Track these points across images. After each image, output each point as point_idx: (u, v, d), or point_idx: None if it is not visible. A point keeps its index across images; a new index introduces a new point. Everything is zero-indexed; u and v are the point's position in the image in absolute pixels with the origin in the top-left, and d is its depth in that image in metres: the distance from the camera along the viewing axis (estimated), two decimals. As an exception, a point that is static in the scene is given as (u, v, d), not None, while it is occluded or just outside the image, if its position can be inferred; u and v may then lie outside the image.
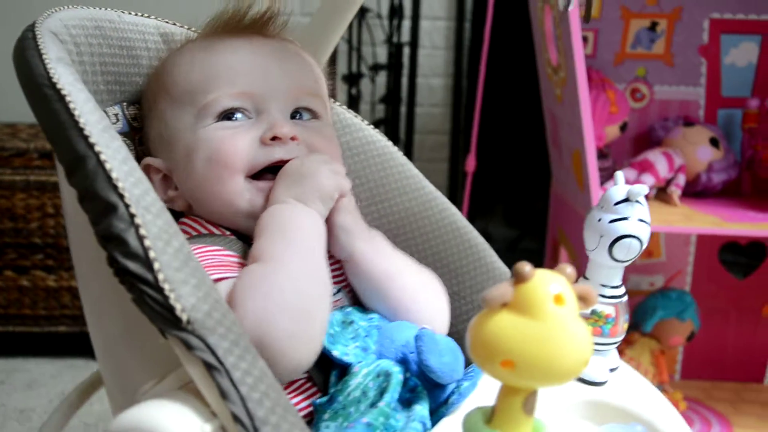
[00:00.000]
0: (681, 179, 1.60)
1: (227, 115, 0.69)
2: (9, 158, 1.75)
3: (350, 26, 2.18)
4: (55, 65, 0.59)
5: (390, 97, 2.26)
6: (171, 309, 0.51)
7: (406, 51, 2.23)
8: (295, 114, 0.72)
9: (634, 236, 0.67)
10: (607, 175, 1.62)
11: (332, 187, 0.67)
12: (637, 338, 1.67)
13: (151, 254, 0.51)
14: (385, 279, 0.70)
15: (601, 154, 1.62)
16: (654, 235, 1.77)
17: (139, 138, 0.76)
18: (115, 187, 0.53)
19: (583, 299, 0.41)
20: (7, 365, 1.81)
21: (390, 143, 0.88)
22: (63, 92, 0.57)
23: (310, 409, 0.63)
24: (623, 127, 1.68)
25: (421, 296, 0.72)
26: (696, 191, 1.66)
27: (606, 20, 1.73)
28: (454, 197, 2.27)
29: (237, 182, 0.68)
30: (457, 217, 0.85)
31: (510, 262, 0.52)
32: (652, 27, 1.73)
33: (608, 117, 1.63)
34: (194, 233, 0.69)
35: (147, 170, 0.72)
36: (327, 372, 0.64)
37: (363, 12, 2.22)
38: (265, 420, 0.50)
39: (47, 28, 0.63)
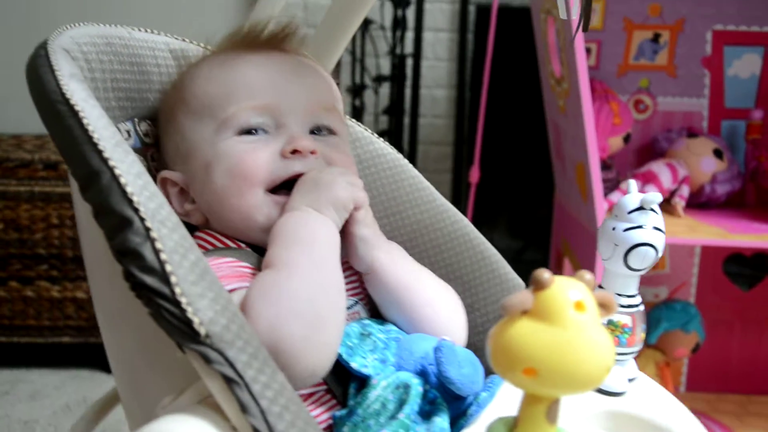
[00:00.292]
0: (685, 190, 1.60)
1: (248, 130, 0.70)
2: (14, 169, 1.75)
3: (354, 38, 2.18)
4: (68, 81, 0.59)
5: (393, 108, 2.27)
6: (189, 323, 0.50)
7: (410, 62, 2.24)
8: (314, 131, 0.73)
9: (649, 244, 0.67)
10: (610, 187, 1.62)
11: (347, 197, 0.67)
12: (641, 350, 1.66)
13: (168, 268, 0.51)
14: (404, 289, 0.70)
15: (605, 166, 1.63)
16: (658, 247, 1.76)
17: (151, 154, 0.77)
18: (130, 202, 0.53)
19: (603, 306, 0.41)
20: (11, 376, 1.81)
21: (400, 156, 0.88)
22: (76, 108, 0.57)
23: (330, 421, 0.62)
24: (627, 139, 1.68)
25: (441, 307, 0.72)
26: (700, 202, 1.66)
27: (609, 32, 1.73)
28: (458, 208, 2.26)
29: (256, 195, 0.68)
30: (470, 229, 0.85)
31: (523, 275, 0.52)
32: (655, 38, 1.74)
33: (612, 128, 1.63)
34: (209, 247, 0.69)
35: (164, 183, 0.73)
36: (346, 384, 0.64)
37: (366, 23, 2.23)
38: None
39: (59, 45, 0.63)
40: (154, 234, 0.52)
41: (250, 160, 0.68)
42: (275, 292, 0.58)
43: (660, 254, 0.68)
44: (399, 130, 2.27)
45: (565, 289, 0.40)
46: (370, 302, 0.74)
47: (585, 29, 0.70)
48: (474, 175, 1.70)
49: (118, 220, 0.53)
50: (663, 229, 0.68)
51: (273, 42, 0.75)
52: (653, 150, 1.76)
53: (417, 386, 0.61)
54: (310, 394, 0.63)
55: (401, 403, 0.60)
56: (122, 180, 0.54)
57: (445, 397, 0.63)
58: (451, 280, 0.80)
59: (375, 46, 2.28)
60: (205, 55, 0.78)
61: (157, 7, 2.25)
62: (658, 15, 1.72)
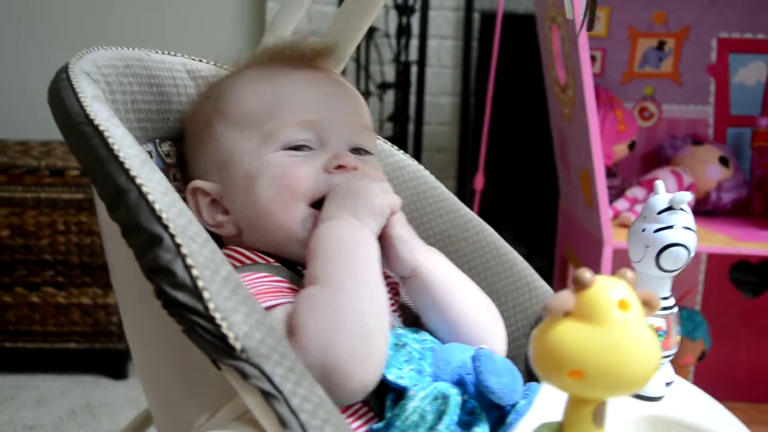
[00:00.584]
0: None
1: (294, 146, 0.70)
2: (20, 176, 1.76)
3: (358, 45, 2.19)
4: (91, 102, 0.60)
5: (398, 115, 2.27)
6: (224, 338, 0.50)
7: (414, 69, 2.24)
8: (353, 150, 0.73)
9: (681, 245, 0.66)
10: (615, 194, 1.62)
11: (384, 203, 0.67)
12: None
13: (200, 284, 0.51)
14: (446, 290, 0.69)
15: (610, 173, 1.63)
16: (663, 254, 1.76)
17: (174, 174, 0.77)
18: (159, 219, 0.53)
19: (646, 304, 0.40)
20: (17, 381, 1.82)
21: (422, 167, 0.88)
22: (101, 128, 0.57)
23: None
24: (632, 146, 1.68)
25: (485, 313, 0.71)
26: (706, 210, 1.66)
27: (613, 39, 1.74)
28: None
29: (299, 209, 0.68)
30: (495, 238, 0.85)
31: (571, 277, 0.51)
32: (660, 46, 1.74)
33: (616, 135, 1.64)
34: (238, 264, 0.69)
35: (194, 194, 0.72)
36: (382, 396, 0.63)
37: (371, 31, 2.23)
38: None
39: (80, 68, 0.64)
40: (184, 250, 0.52)
41: (296, 173, 0.68)
42: (327, 309, 0.58)
43: (692, 253, 0.67)
44: (404, 137, 2.27)
45: (607, 288, 0.39)
46: (403, 313, 0.73)
47: (590, 29, 0.70)
48: (479, 182, 1.70)
49: (147, 238, 0.52)
50: (694, 228, 0.67)
51: (310, 59, 0.75)
52: (658, 157, 1.76)
53: (455, 396, 0.60)
54: (348, 407, 0.62)
55: (440, 414, 0.59)
56: (150, 197, 0.54)
57: (483, 406, 0.62)
58: None
59: (380, 53, 2.29)
60: (238, 69, 0.77)
61: (169, 29, 2.27)
62: (663, 23, 1.72)
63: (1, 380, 1.82)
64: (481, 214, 1.71)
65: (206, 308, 0.50)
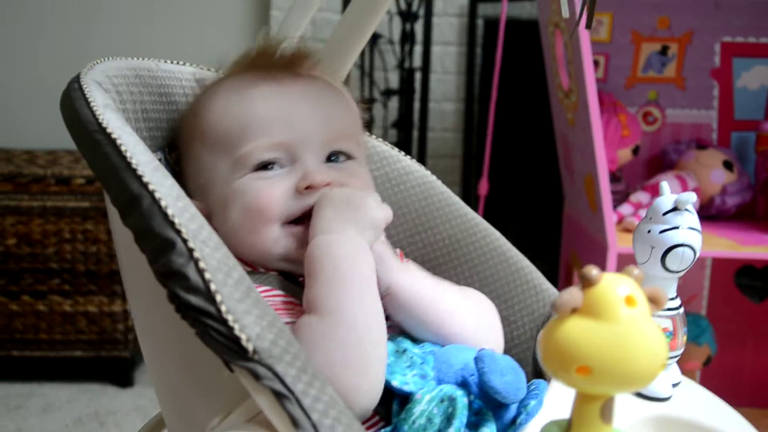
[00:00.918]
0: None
1: (263, 166, 0.69)
2: (27, 184, 1.77)
3: (362, 52, 2.19)
4: (103, 111, 0.60)
5: (402, 121, 2.28)
6: (236, 340, 0.50)
7: (418, 76, 2.25)
8: (331, 156, 0.72)
9: (686, 245, 0.66)
10: (619, 199, 1.62)
11: (381, 216, 0.67)
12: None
13: (213, 287, 0.51)
14: (427, 305, 0.69)
15: (614, 178, 1.63)
16: (668, 259, 1.76)
17: (182, 181, 0.77)
18: (171, 224, 0.53)
19: (653, 300, 0.40)
20: (24, 390, 1.82)
21: (428, 172, 0.88)
22: (113, 136, 0.58)
23: None
24: (635, 151, 1.68)
25: (468, 318, 0.71)
26: (710, 214, 1.66)
27: (617, 44, 1.74)
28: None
29: (272, 230, 0.68)
30: (502, 242, 0.84)
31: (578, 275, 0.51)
32: (663, 51, 1.74)
33: (620, 140, 1.64)
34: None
35: None
36: (388, 402, 0.63)
37: (375, 38, 2.24)
38: None
39: (91, 78, 0.64)
40: (197, 254, 0.52)
41: (265, 197, 0.68)
42: (324, 343, 0.58)
43: (698, 254, 0.67)
44: (408, 143, 2.27)
45: (614, 285, 0.40)
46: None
47: (588, 26, 0.70)
48: (483, 187, 1.71)
49: (160, 243, 0.53)
50: (699, 228, 0.67)
51: (285, 66, 0.74)
52: (662, 162, 1.76)
53: (462, 398, 0.61)
54: None
55: (448, 417, 0.59)
56: (163, 203, 0.54)
57: (489, 406, 0.62)
58: (485, 293, 0.80)
59: (384, 60, 2.29)
60: (218, 80, 0.77)
61: (173, 39, 2.28)
62: (667, 28, 1.73)
63: (8, 388, 1.82)
64: (486, 219, 1.71)
65: (219, 311, 0.51)
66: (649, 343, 0.39)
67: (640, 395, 0.68)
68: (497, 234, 0.85)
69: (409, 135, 2.28)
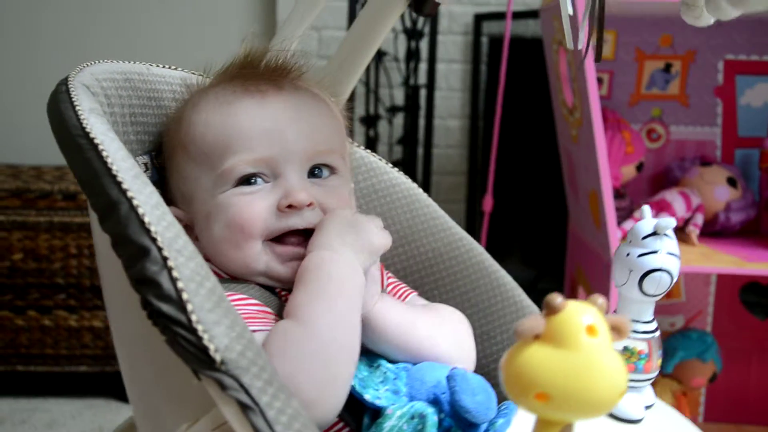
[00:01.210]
0: (699, 219, 1.60)
1: (246, 179, 0.69)
2: (34, 200, 1.78)
3: (368, 69, 2.21)
4: (88, 116, 0.61)
5: (407, 138, 2.29)
6: (204, 349, 0.51)
7: (423, 93, 2.26)
8: (314, 169, 0.72)
9: (663, 270, 0.67)
10: (624, 215, 1.62)
11: (381, 244, 0.68)
12: (658, 379, 1.65)
13: (185, 296, 0.52)
14: (401, 334, 0.69)
15: (618, 194, 1.63)
16: (673, 275, 1.75)
17: (167, 185, 0.78)
18: (147, 231, 0.54)
19: (616, 330, 0.41)
20: (29, 405, 1.82)
21: (414, 185, 0.89)
22: (96, 141, 0.59)
23: None
24: (639, 167, 1.68)
25: (441, 343, 0.71)
26: (714, 231, 1.65)
27: (620, 62, 1.75)
28: (472, 237, 2.27)
29: (254, 247, 0.68)
30: (485, 257, 0.85)
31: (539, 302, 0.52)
32: (667, 68, 1.75)
33: (624, 157, 1.64)
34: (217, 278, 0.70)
35: None
36: (359, 415, 0.64)
37: (380, 55, 2.26)
38: None
39: (80, 81, 0.65)
40: (171, 263, 0.53)
41: (247, 213, 0.68)
42: (293, 351, 0.59)
43: (675, 279, 0.68)
44: (413, 160, 2.28)
45: (577, 314, 0.40)
46: None
47: (597, 59, 0.71)
48: (487, 204, 1.71)
49: (136, 250, 0.54)
50: (678, 254, 0.68)
51: (270, 77, 0.74)
52: (666, 179, 1.76)
53: (432, 415, 0.61)
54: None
55: None
56: (140, 210, 0.55)
57: (459, 425, 0.63)
58: (466, 308, 0.81)
59: (389, 77, 2.31)
60: (203, 88, 0.76)
61: (171, 36, 2.30)
62: (669, 45, 1.74)
63: (13, 403, 1.82)
64: (490, 235, 1.72)
65: (189, 320, 0.52)
66: (609, 373, 0.39)
67: (613, 417, 0.68)
68: (480, 249, 0.86)
69: (414, 151, 2.29)
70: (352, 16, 2.16)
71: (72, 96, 0.63)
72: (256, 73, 0.74)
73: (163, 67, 0.80)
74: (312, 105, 0.74)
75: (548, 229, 2.23)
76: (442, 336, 0.72)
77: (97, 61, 0.71)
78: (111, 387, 1.87)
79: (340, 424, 0.64)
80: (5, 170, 1.98)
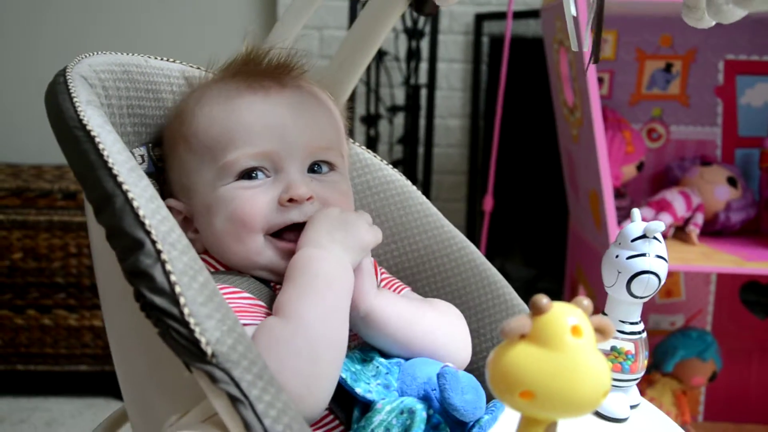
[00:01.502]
0: (699, 218, 1.60)
1: (247, 173, 0.70)
2: (34, 199, 1.78)
3: (368, 68, 2.21)
4: (85, 108, 0.61)
5: (408, 137, 2.29)
6: (196, 342, 0.52)
7: (424, 92, 2.26)
8: (314, 166, 0.73)
9: (652, 272, 0.67)
10: (624, 215, 1.62)
11: (371, 240, 0.68)
12: (658, 378, 1.65)
13: (177, 289, 0.53)
14: (401, 329, 0.69)
15: (618, 194, 1.63)
16: (673, 275, 1.76)
17: (163, 178, 0.78)
18: (142, 224, 0.54)
19: (600, 331, 0.42)
20: (29, 404, 1.82)
21: (409, 182, 0.90)
22: (92, 134, 0.59)
23: None
24: (640, 167, 1.68)
25: (439, 336, 0.72)
26: (714, 230, 1.66)
27: (621, 62, 1.75)
28: (472, 237, 2.27)
29: (256, 240, 0.69)
30: (476, 255, 0.86)
31: (529, 301, 0.53)
32: (667, 68, 1.75)
33: (624, 157, 1.64)
34: (212, 270, 0.70)
35: (169, 210, 0.74)
36: (349, 408, 0.64)
37: (381, 55, 2.26)
38: None
39: (78, 72, 0.65)
40: (164, 256, 0.54)
41: (248, 207, 0.69)
42: (279, 348, 0.59)
43: (662, 282, 0.68)
44: (413, 159, 2.28)
45: (562, 315, 0.41)
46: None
47: (596, 61, 0.72)
48: (488, 203, 1.71)
49: (130, 242, 0.54)
50: (666, 257, 0.69)
51: (272, 74, 0.74)
52: (667, 178, 1.77)
53: (421, 411, 0.62)
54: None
55: (405, 429, 0.61)
56: (135, 203, 0.55)
57: (447, 421, 0.64)
58: (457, 305, 0.81)
59: (390, 76, 2.31)
60: (206, 83, 0.77)
61: (173, 35, 2.30)
62: (670, 45, 1.74)
63: (12, 403, 1.82)
64: (491, 235, 1.72)
65: (182, 313, 0.52)
66: (592, 373, 0.40)
67: (598, 415, 0.69)
68: (473, 247, 0.86)
69: (414, 151, 2.29)
70: (353, 16, 2.16)
71: (70, 87, 0.63)
72: (258, 69, 0.75)
73: (162, 59, 0.80)
74: (313, 103, 0.75)
75: (549, 229, 2.24)
76: (441, 331, 0.72)
77: (95, 53, 0.71)
78: (111, 386, 1.87)
79: (330, 417, 0.65)
80: (5, 169, 1.98)
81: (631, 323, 0.71)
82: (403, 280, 0.84)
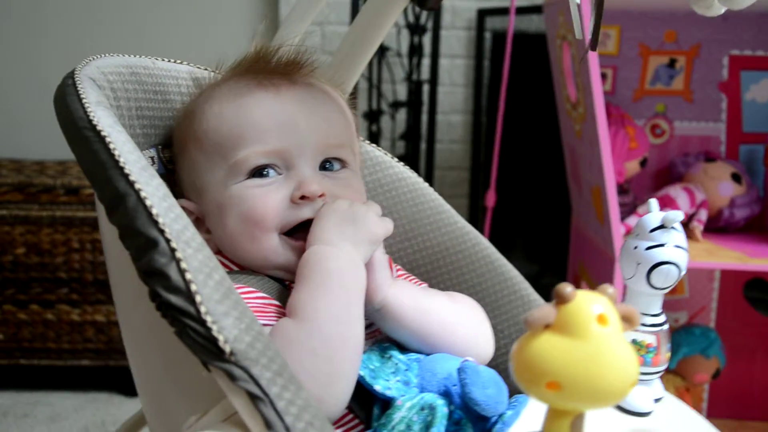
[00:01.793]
0: (703, 215, 1.60)
1: (259, 171, 0.69)
2: (36, 194, 1.78)
3: (370, 64, 2.21)
4: (95, 108, 0.61)
5: (410, 133, 2.28)
6: (214, 341, 0.51)
7: (426, 88, 2.26)
8: (325, 163, 0.72)
9: (671, 263, 0.66)
10: (627, 211, 1.61)
11: (381, 232, 0.67)
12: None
13: (193, 287, 0.52)
14: (418, 321, 0.69)
15: (622, 190, 1.62)
16: (676, 271, 1.75)
17: (174, 179, 0.78)
18: (155, 223, 0.54)
19: (626, 319, 0.41)
20: (31, 398, 1.83)
21: (420, 179, 0.89)
22: (103, 133, 0.59)
23: None
24: (643, 163, 1.68)
25: (459, 329, 0.71)
26: (718, 227, 1.65)
27: (624, 57, 1.74)
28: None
29: (271, 239, 0.68)
30: (491, 251, 0.85)
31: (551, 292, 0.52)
32: (671, 64, 1.74)
33: (628, 152, 1.64)
34: (226, 270, 0.69)
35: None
36: (369, 406, 0.64)
37: (383, 50, 2.25)
38: None
39: (86, 74, 0.65)
40: (179, 254, 0.53)
41: (261, 205, 0.68)
42: (296, 349, 0.58)
43: (683, 272, 0.67)
44: (416, 155, 2.28)
45: (587, 303, 0.40)
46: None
47: (593, 48, 0.71)
48: (490, 199, 1.71)
49: (143, 241, 0.54)
50: (685, 247, 0.68)
51: (282, 71, 0.74)
52: (670, 174, 1.76)
53: (442, 407, 0.61)
54: None
55: (427, 425, 0.60)
56: (148, 202, 0.55)
57: (469, 417, 0.63)
58: None
59: (392, 72, 2.30)
60: (216, 82, 0.77)
61: (172, 35, 2.30)
62: (674, 41, 1.73)
63: (15, 397, 1.83)
64: (493, 231, 1.71)
65: (198, 311, 0.52)
66: (620, 362, 0.39)
67: (621, 410, 0.68)
68: (487, 243, 0.86)
69: (416, 147, 2.28)
70: (354, 11, 2.15)
71: (78, 89, 0.63)
72: (268, 67, 0.74)
73: (169, 61, 0.80)
74: (324, 100, 0.75)
75: (551, 225, 2.23)
76: (460, 323, 0.71)
77: (102, 55, 0.70)
78: (113, 381, 1.87)
79: (350, 416, 0.64)
80: (8, 165, 1.98)
81: (652, 315, 0.69)
82: (417, 278, 0.83)
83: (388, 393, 0.63)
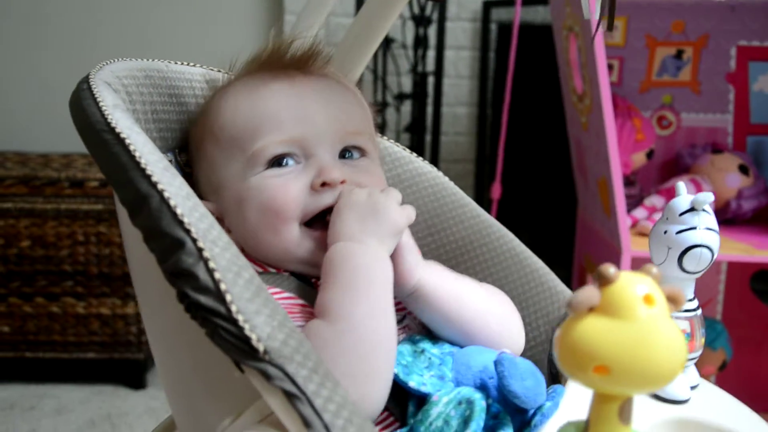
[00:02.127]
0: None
1: (277, 161, 0.68)
2: (41, 187, 1.78)
3: (375, 56, 2.20)
4: (112, 111, 0.60)
5: (415, 125, 2.28)
6: (247, 340, 0.50)
7: (431, 80, 2.25)
8: (344, 152, 0.71)
9: (704, 246, 0.66)
10: (634, 203, 1.61)
11: (403, 221, 0.66)
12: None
13: (222, 286, 0.51)
14: (452, 303, 0.68)
15: (628, 182, 1.62)
16: (683, 263, 1.74)
17: (191, 183, 0.77)
18: (181, 223, 0.53)
19: (672, 300, 0.40)
20: (37, 391, 1.83)
21: (440, 173, 0.87)
22: (122, 136, 0.58)
23: None
24: (650, 155, 1.67)
25: (492, 316, 0.70)
26: (725, 218, 1.64)
27: (631, 48, 1.73)
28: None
29: (292, 231, 0.67)
30: (516, 243, 0.84)
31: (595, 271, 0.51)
32: (678, 55, 1.73)
33: (634, 144, 1.63)
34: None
35: None
36: (404, 403, 0.62)
37: (388, 42, 2.25)
38: None
39: (101, 78, 0.64)
40: (206, 254, 0.52)
41: (281, 195, 0.67)
42: (329, 351, 0.57)
43: (716, 255, 0.66)
44: (421, 147, 2.27)
45: (632, 284, 0.39)
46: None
47: (610, 28, 0.70)
48: (496, 191, 1.70)
49: (169, 242, 0.53)
50: (716, 229, 0.67)
51: (297, 64, 0.73)
52: (677, 166, 1.75)
53: (480, 401, 0.60)
54: None
55: (465, 420, 0.59)
56: (172, 202, 0.54)
57: (507, 410, 0.62)
58: None
59: (397, 64, 2.29)
60: (230, 79, 0.76)
61: (172, 35, 2.29)
62: (681, 31, 1.72)
63: (21, 390, 1.83)
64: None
65: (229, 311, 0.50)
66: (669, 343, 0.38)
67: (657, 398, 0.67)
68: (511, 236, 0.84)
69: (422, 139, 2.28)
70: (359, 3, 2.14)
71: (94, 93, 0.62)
72: (282, 61, 0.74)
73: (182, 63, 0.79)
74: (340, 89, 0.74)
75: (557, 217, 2.22)
76: (491, 311, 0.71)
77: (116, 59, 0.70)
78: (119, 373, 1.88)
79: (385, 414, 0.62)
80: (13, 157, 1.98)
81: (686, 300, 0.68)
82: None
83: (423, 389, 0.61)
